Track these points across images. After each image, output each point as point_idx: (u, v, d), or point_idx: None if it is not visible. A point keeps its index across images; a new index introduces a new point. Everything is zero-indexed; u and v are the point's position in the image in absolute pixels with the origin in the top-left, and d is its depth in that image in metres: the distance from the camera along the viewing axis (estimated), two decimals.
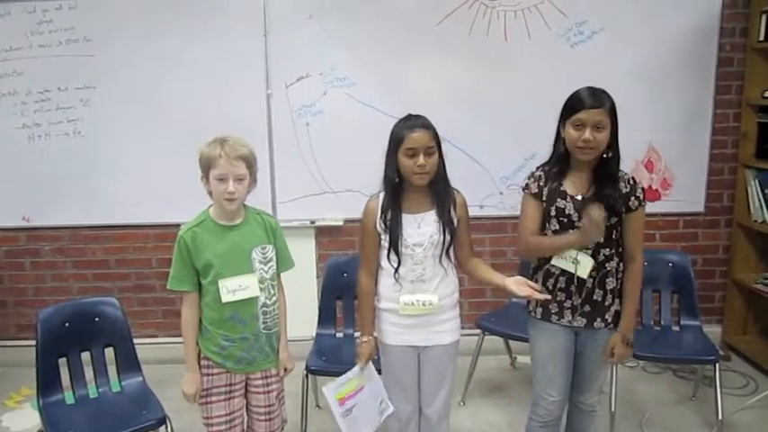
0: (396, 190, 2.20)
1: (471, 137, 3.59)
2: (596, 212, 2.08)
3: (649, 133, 3.65)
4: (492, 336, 3.34)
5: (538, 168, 2.30)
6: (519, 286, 2.14)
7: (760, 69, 3.61)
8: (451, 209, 2.22)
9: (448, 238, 2.20)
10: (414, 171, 2.14)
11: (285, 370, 2.33)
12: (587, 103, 2.12)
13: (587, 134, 2.11)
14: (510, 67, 3.61)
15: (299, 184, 3.69)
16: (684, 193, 3.78)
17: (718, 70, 3.67)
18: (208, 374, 2.24)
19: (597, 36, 3.58)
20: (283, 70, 3.57)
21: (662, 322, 3.25)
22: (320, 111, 3.61)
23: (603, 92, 2.14)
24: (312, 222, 3.76)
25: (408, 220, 2.21)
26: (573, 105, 2.15)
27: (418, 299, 2.22)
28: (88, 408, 2.55)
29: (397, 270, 2.22)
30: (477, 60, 3.59)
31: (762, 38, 3.53)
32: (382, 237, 2.23)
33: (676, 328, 3.22)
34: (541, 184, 2.24)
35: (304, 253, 3.75)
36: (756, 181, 3.63)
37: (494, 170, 3.71)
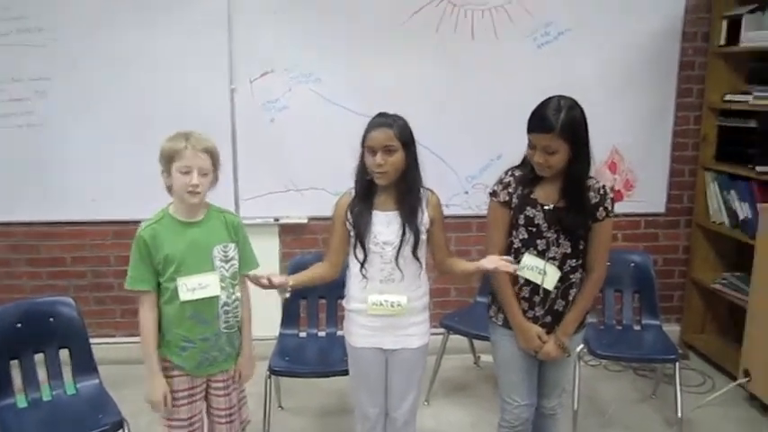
0: (368, 188, 2.18)
1: (437, 135, 3.56)
2: (557, 355, 2.22)
3: (613, 135, 3.68)
4: (456, 335, 3.34)
5: (507, 173, 2.23)
6: (490, 262, 2.14)
7: (721, 73, 3.67)
8: (421, 209, 2.18)
9: (411, 238, 2.16)
10: (373, 169, 2.12)
11: (240, 376, 2.27)
12: (533, 127, 2.08)
13: (537, 156, 2.09)
14: (477, 66, 3.60)
15: (263, 181, 3.62)
16: (646, 194, 3.84)
17: (680, 73, 3.74)
18: (168, 376, 2.17)
19: (563, 37, 3.60)
20: (248, 65, 3.50)
21: (624, 321, 3.29)
22: (285, 106, 3.55)
23: (562, 108, 2.03)
24: (276, 220, 3.70)
25: (379, 218, 2.18)
26: (528, 123, 2.10)
27: (387, 299, 2.19)
28: (41, 412, 2.45)
29: (363, 265, 2.19)
30: (444, 59, 3.58)
31: (723, 42, 3.60)
32: (351, 233, 2.20)
33: (637, 328, 3.26)
34: (511, 191, 2.19)
35: (267, 251, 3.67)
36: (716, 183, 3.70)
37: (459, 169, 3.70)
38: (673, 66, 3.72)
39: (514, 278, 2.22)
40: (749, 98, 3.42)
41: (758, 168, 3.33)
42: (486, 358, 3.71)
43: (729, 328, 3.88)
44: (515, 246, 2.21)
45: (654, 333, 3.18)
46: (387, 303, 2.19)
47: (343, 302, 2.32)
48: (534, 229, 2.17)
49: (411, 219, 2.16)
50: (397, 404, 2.33)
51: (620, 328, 3.28)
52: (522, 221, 2.18)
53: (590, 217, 2.16)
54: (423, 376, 2.36)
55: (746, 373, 3.25)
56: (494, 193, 2.23)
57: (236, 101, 3.53)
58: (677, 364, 2.96)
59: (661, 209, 3.89)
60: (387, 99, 3.38)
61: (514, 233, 2.20)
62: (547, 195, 2.17)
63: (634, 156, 3.78)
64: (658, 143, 3.80)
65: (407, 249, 2.16)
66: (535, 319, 2.23)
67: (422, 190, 2.21)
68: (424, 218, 2.19)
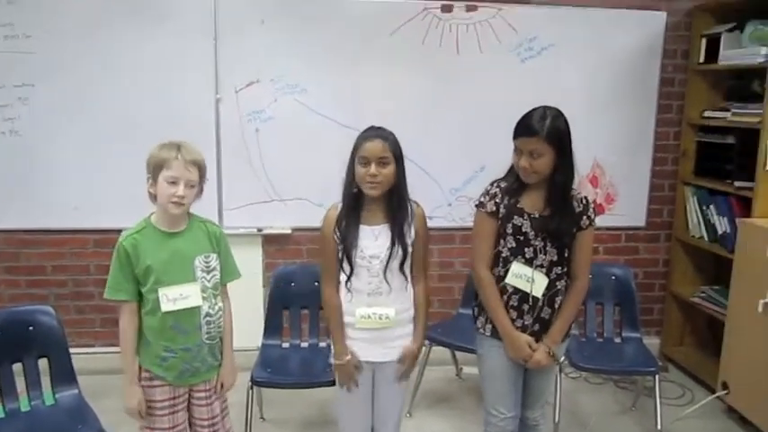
0: (354, 200, 2.18)
1: (422, 148, 3.58)
2: (547, 363, 2.25)
3: (595, 149, 3.73)
4: (438, 346, 3.34)
5: (493, 184, 2.27)
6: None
7: (699, 90, 3.75)
8: (407, 222, 2.19)
9: (400, 252, 2.17)
10: (365, 180, 2.12)
11: (222, 386, 2.25)
12: (519, 131, 2.14)
13: (523, 161, 2.13)
14: (461, 80, 3.64)
15: (247, 191, 3.61)
16: (627, 207, 3.89)
17: (660, 90, 3.80)
18: (149, 386, 2.15)
19: (546, 52, 3.65)
20: (233, 75, 3.50)
21: (605, 334, 3.32)
22: (270, 117, 3.56)
23: (547, 116, 2.10)
24: (259, 230, 3.70)
25: (365, 232, 2.18)
26: (514, 130, 2.16)
27: (375, 312, 2.19)
28: (19, 422, 2.41)
29: (348, 279, 2.20)
30: (430, 72, 3.61)
31: (701, 60, 3.67)
32: (339, 246, 2.20)
33: (618, 340, 3.29)
34: (498, 200, 2.22)
35: (250, 261, 3.67)
36: (695, 198, 3.76)
37: (443, 182, 3.73)
38: (653, 82, 3.78)
39: (501, 289, 2.24)
40: (727, 114, 3.49)
41: (736, 183, 3.39)
42: (468, 370, 3.72)
43: (708, 341, 3.94)
44: (503, 255, 2.23)
45: (634, 346, 3.21)
46: (375, 316, 2.20)
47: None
48: (522, 238, 2.20)
49: (401, 233, 2.16)
50: (384, 418, 2.33)
51: (600, 340, 3.31)
52: (509, 230, 2.20)
53: (575, 225, 2.20)
54: (408, 389, 2.36)
55: (725, 386, 3.28)
56: (480, 204, 2.26)
57: (222, 110, 3.53)
58: (657, 376, 2.99)
59: (641, 223, 3.94)
60: (372, 110, 3.45)
61: (502, 242, 2.23)
62: (533, 204, 2.21)
63: (615, 170, 3.83)
64: (639, 158, 3.86)
65: (395, 263, 2.17)
66: (524, 328, 2.25)
67: (409, 203, 2.22)
68: (411, 231, 2.20)
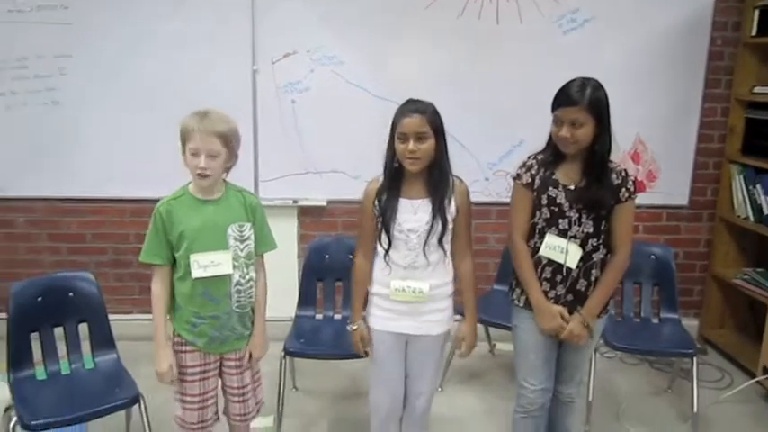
0: (396, 175, 2.16)
1: (458, 121, 3.41)
2: (582, 334, 2.21)
3: (637, 124, 3.63)
4: None
5: (530, 157, 2.27)
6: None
7: (750, 65, 3.60)
8: (449, 198, 2.16)
9: (439, 227, 2.14)
10: (405, 156, 2.09)
11: (251, 357, 2.27)
12: (562, 101, 2.12)
13: (563, 131, 2.11)
14: (500, 52, 3.56)
15: (283, 163, 3.62)
16: (669, 185, 3.78)
17: (708, 64, 3.66)
18: (180, 352, 2.19)
19: (589, 24, 3.54)
20: (270, 46, 3.49)
21: (642, 314, 3.26)
22: (306, 88, 3.54)
23: (587, 86, 2.09)
24: (295, 202, 3.70)
25: (405, 206, 2.16)
26: (554, 101, 2.15)
27: (409, 285, 2.18)
28: (60, 384, 2.49)
29: (387, 253, 2.19)
30: (467, 44, 3.54)
31: (754, 33, 3.51)
32: (378, 219, 2.19)
33: (655, 321, 3.23)
34: (533, 172, 2.22)
35: (286, 233, 3.69)
36: (741, 176, 3.63)
37: (480, 156, 3.67)
38: (701, 56, 3.64)
39: (536, 261, 2.23)
40: None
41: None
42: (501, 346, 3.70)
43: (749, 325, 3.84)
44: (539, 226, 2.23)
45: (672, 327, 3.15)
46: (409, 290, 2.19)
47: (368, 285, 2.31)
48: (556, 209, 2.18)
49: (441, 207, 2.14)
50: (416, 391, 2.34)
51: (638, 320, 3.25)
52: (544, 202, 2.20)
53: (612, 197, 2.17)
54: (441, 364, 2.36)
55: (766, 370, 3.21)
56: (517, 176, 2.27)
57: (258, 82, 3.53)
58: (695, 358, 2.93)
59: (684, 201, 3.83)
60: (409, 83, 3.39)
61: (537, 214, 2.22)
62: (568, 176, 2.19)
63: (658, 147, 3.72)
64: (683, 135, 3.74)
65: (434, 238, 2.15)
66: (557, 299, 2.23)
67: (450, 178, 2.20)
68: (451, 206, 2.17)
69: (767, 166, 3.42)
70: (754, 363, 3.39)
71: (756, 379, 3.25)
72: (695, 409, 2.90)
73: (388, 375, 2.31)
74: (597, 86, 2.11)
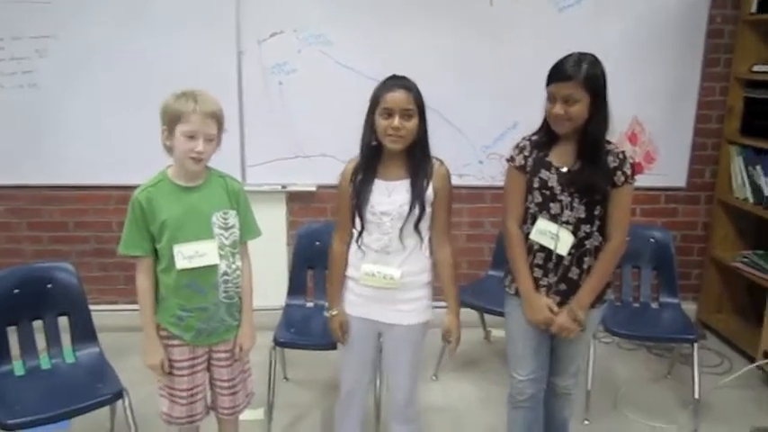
0: (372, 154, 2.06)
1: (451, 103, 3.44)
2: (572, 328, 2.10)
3: (634, 104, 3.53)
4: (466, 308, 3.24)
5: (523, 138, 2.17)
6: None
7: (750, 43, 3.51)
8: (426, 180, 2.06)
9: (417, 211, 2.04)
10: (387, 133, 1.99)
11: (241, 349, 2.17)
12: (555, 76, 2.00)
13: (557, 108, 2.00)
14: (494, 32, 3.45)
15: (271, 147, 3.51)
16: (667, 167, 3.70)
17: (707, 42, 3.56)
18: (168, 345, 2.09)
19: (586, 1, 3.43)
20: (256, 26, 3.36)
21: (641, 299, 3.19)
22: (294, 69, 3.42)
23: (584, 60, 1.98)
24: (283, 187, 3.59)
25: (379, 187, 2.06)
26: (548, 77, 2.03)
27: (380, 270, 2.08)
28: (39, 380, 2.39)
29: (360, 235, 2.10)
30: (461, 23, 3.43)
31: (754, 10, 3.42)
32: (352, 201, 2.10)
33: (655, 306, 3.16)
34: (526, 154, 2.12)
35: (274, 219, 3.59)
36: (740, 158, 3.56)
37: (474, 138, 3.57)
38: (700, 34, 3.55)
39: (528, 247, 2.14)
40: None
41: None
42: (497, 333, 3.63)
43: (747, 308, 3.78)
44: (531, 211, 2.13)
45: (672, 312, 3.08)
46: (379, 275, 2.09)
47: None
48: (548, 192, 2.09)
49: (420, 190, 2.04)
50: (395, 384, 2.26)
51: (637, 305, 3.18)
52: (536, 185, 2.10)
53: (608, 181, 2.06)
54: (419, 355, 2.24)
55: (766, 355, 3.15)
56: (510, 158, 2.17)
57: (244, 63, 3.40)
58: (696, 344, 2.86)
59: (682, 183, 3.75)
60: (400, 63, 3.21)
61: (530, 197, 2.13)
62: (562, 158, 2.09)
63: (656, 127, 3.63)
64: (682, 115, 3.65)
65: (411, 222, 2.05)
66: (549, 287, 2.14)
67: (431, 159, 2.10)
68: (429, 190, 2.07)
69: (766, 146, 3.34)
70: (753, 347, 3.34)
71: (757, 363, 3.18)
72: (697, 396, 2.84)
73: (354, 359, 2.24)
74: (594, 61, 1.99)
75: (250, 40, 3.38)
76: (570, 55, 2.01)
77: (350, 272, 2.16)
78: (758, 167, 3.42)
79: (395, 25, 3.40)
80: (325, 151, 3.51)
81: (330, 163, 3.50)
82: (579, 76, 1.96)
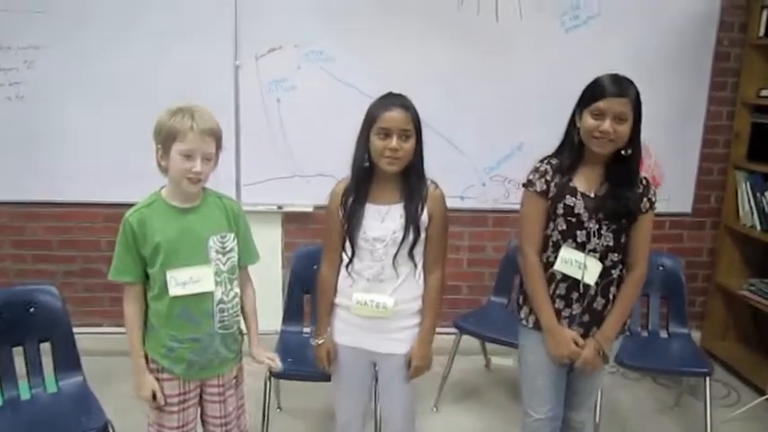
0: (363, 176, 1.95)
1: (454, 122, 3.35)
2: (597, 362, 2.03)
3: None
4: (467, 335, 3.12)
5: (543, 161, 2.05)
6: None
7: (757, 67, 3.45)
8: (422, 204, 1.95)
9: (412, 237, 1.93)
10: (383, 154, 1.88)
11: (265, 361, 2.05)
12: (610, 91, 1.90)
13: (606, 125, 1.89)
14: (500, 50, 3.36)
15: (267, 166, 3.38)
16: (673, 192, 3.60)
17: (714, 65, 3.51)
18: (157, 379, 1.94)
19: (593, 21, 3.36)
20: (254, 40, 3.26)
21: (650, 328, 3.08)
22: (293, 86, 3.31)
23: (629, 81, 1.94)
24: (279, 208, 3.47)
25: (371, 212, 1.95)
26: (594, 92, 1.93)
27: (372, 299, 1.97)
28: (19, 412, 2.22)
29: (351, 262, 1.99)
30: (465, 41, 3.34)
31: (761, 34, 3.37)
32: (343, 226, 1.98)
33: (664, 335, 3.06)
34: (548, 178, 2.01)
35: (269, 241, 3.46)
36: (747, 183, 3.48)
37: (477, 159, 3.47)
38: (707, 57, 3.49)
39: (548, 276, 2.03)
40: None
41: None
42: (497, 361, 3.51)
43: (752, 337, 3.72)
44: (554, 239, 2.02)
45: (682, 342, 2.98)
46: (372, 304, 1.98)
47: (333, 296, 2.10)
48: (574, 220, 1.98)
49: (415, 215, 1.94)
50: (389, 416, 2.15)
51: (645, 334, 3.07)
52: (560, 211, 1.99)
53: (636, 207, 1.98)
54: (416, 385, 2.12)
55: None
56: (529, 183, 2.05)
57: (241, 78, 3.29)
58: (707, 378, 2.75)
59: (687, 209, 3.67)
60: (403, 81, 3.12)
61: (552, 225, 2.02)
62: (588, 183, 2.00)
63: (661, 151, 3.55)
64: (688, 139, 3.58)
65: (405, 249, 1.94)
66: (572, 318, 2.04)
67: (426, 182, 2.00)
68: (424, 214, 1.96)
69: None
70: (759, 377, 3.27)
71: (767, 396, 3.09)
72: (709, 431, 2.73)
73: (346, 389, 2.14)
74: (634, 84, 1.94)
75: (248, 54, 3.27)
76: (609, 74, 1.94)
77: (340, 299, 2.05)
78: (766, 194, 3.35)
79: (398, 42, 3.31)
80: (324, 171, 3.38)
81: (328, 183, 3.23)
82: (631, 94, 1.90)
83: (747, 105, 3.50)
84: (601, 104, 1.89)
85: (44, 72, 3.22)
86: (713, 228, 3.73)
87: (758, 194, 3.41)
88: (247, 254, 2.02)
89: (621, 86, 1.90)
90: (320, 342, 2.08)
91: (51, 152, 3.29)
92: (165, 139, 1.81)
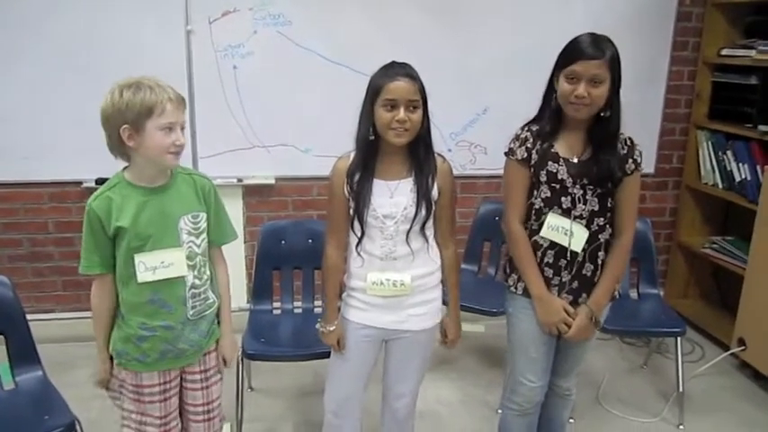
0: (369, 150, 1.84)
1: None
2: (589, 330, 2.02)
3: None
4: None
5: (523, 129, 1.99)
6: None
7: (718, 26, 3.45)
8: (431, 178, 1.88)
9: (424, 212, 1.86)
10: (390, 126, 1.78)
11: (225, 363, 1.95)
12: (585, 53, 1.82)
13: (581, 89, 1.83)
14: (460, 14, 3.25)
15: (225, 137, 3.21)
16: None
17: (676, 25, 3.48)
18: (136, 371, 1.82)
19: None
20: (206, 3, 3.06)
21: (620, 290, 3.08)
22: (250, 52, 3.13)
23: (606, 40, 1.85)
24: (239, 180, 3.32)
25: (380, 188, 1.86)
26: (568, 55, 1.86)
27: (388, 278, 1.90)
28: None
29: (360, 242, 1.89)
30: (427, 6, 3.22)
31: None
32: (350, 203, 1.88)
33: (634, 296, 3.08)
34: (529, 146, 1.94)
35: (231, 215, 3.26)
36: (709, 143, 3.51)
37: (442, 125, 3.31)
38: (669, 17, 3.46)
39: (533, 244, 1.99)
40: (752, 53, 3.20)
41: (760, 128, 3.15)
42: (467, 328, 3.44)
43: (713, 293, 3.79)
44: (536, 206, 1.97)
45: (653, 303, 3.00)
46: (388, 283, 1.90)
47: (344, 278, 2.01)
48: (558, 186, 1.93)
49: (426, 189, 1.86)
50: (397, 393, 2.08)
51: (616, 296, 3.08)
52: (543, 178, 1.94)
53: (620, 169, 1.93)
54: (428, 362, 2.10)
55: (741, 342, 3.12)
56: (510, 152, 1.98)
57: (194, 44, 3.09)
58: (680, 337, 2.78)
59: (650, 169, 3.67)
60: (363, 45, 3.09)
61: (535, 192, 1.97)
62: (570, 148, 1.94)
63: (624, 113, 3.50)
64: (650, 100, 3.57)
65: (418, 224, 1.87)
66: (561, 286, 2.00)
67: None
68: (434, 189, 1.89)
69: (739, 131, 3.29)
70: (722, 332, 3.34)
71: (732, 351, 3.16)
72: (681, 389, 2.77)
73: (351, 371, 2.03)
74: (612, 42, 1.86)
75: (200, 18, 3.07)
76: (584, 34, 1.86)
77: (353, 283, 1.96)
78: (729, 153, 3.38)
79: (359, 6, 3.16)
80: (285, 141, 3.26)
81: (290, 153, 3.28)
82: (606, 56, 1.82)
83: (709, 65, 3.50)
84: (576, 67, 1.83)
85: None
86: (675, 188, 3.76)
87: (720, 153, 3.44)
88: (222, 232, 1.91)
89: (598, 47, 1.83)
90: (331, 329, 1.98)
91: None
92: (137, 116, 1.64)
